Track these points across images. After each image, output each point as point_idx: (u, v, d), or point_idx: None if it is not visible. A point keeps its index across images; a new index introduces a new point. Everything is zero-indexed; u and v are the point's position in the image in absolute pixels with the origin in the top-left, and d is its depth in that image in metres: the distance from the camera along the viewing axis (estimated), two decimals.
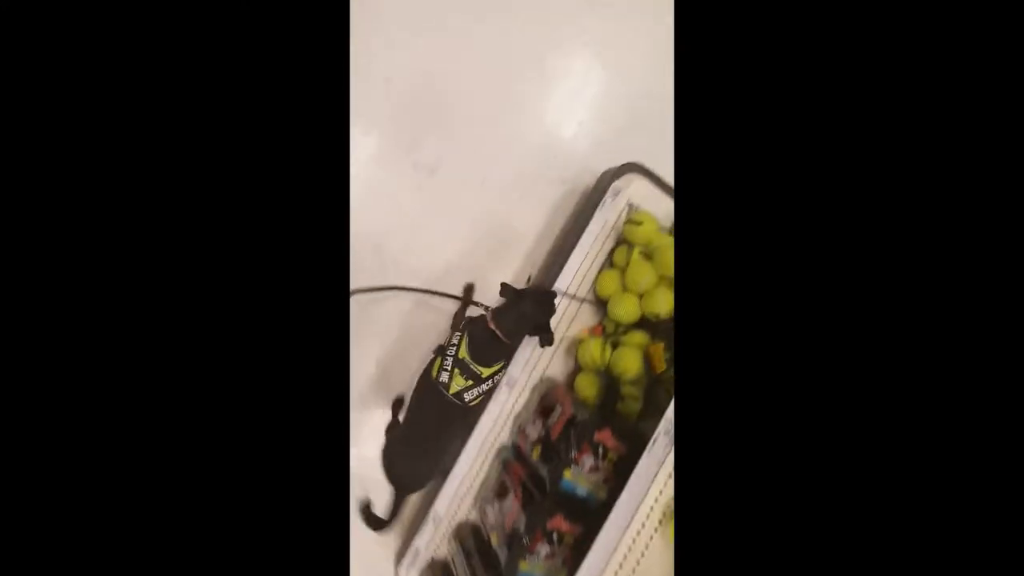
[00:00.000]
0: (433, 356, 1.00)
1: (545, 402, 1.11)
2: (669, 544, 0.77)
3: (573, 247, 1.18)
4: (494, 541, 1.02)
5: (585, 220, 1.20)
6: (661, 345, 1.08)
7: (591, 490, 0.93)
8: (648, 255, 1.10)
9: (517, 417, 1.14)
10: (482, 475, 1.14)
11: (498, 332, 0.92)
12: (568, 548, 0.92)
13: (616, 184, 1.19)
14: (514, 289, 0.97)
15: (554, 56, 1.33)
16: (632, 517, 0.77)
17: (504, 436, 1.14)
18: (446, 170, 1.29)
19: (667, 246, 1.09)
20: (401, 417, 1.09)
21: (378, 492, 1.09)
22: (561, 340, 1.14)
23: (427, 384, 0.97)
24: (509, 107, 1.32)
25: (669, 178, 1.20)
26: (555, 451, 0.97)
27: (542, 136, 1.34)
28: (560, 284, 1.15)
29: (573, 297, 1.15)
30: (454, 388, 0.93)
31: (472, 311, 1.19)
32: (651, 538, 0.77)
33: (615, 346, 1.10)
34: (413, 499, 1.18)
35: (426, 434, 1.01)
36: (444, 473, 1.13)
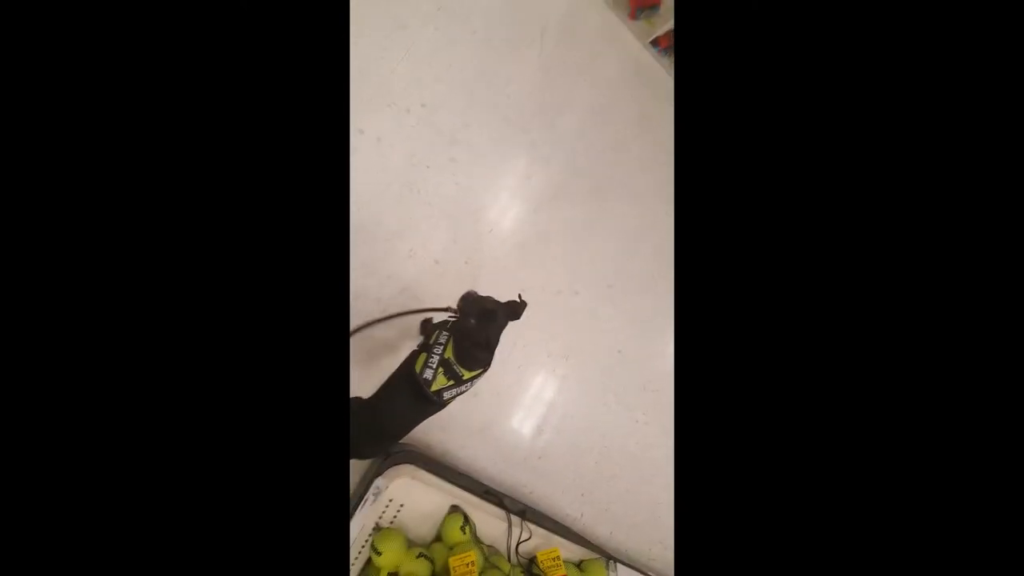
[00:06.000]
0: (417, 351, 1.01)
1: None
2: None
3: None
4: None
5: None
6: None
7: None
8: None
9: None
10: None
11: (481, 345, 0.95)
12: None
13: (378, 482, 1.11)
14: (487, 309, 0.97)
15: None
16: None
17: None
18: None
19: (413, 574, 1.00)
20: (368, 395, 1.09)
21: None
22: None
23: (409, 375, 0.98)
24: None
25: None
26: None
27: None
28: None
29: None
30: (436, 386, 0.95)
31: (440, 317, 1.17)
32: None
33: None
34: None
35: (396, 419, 1.02)
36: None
